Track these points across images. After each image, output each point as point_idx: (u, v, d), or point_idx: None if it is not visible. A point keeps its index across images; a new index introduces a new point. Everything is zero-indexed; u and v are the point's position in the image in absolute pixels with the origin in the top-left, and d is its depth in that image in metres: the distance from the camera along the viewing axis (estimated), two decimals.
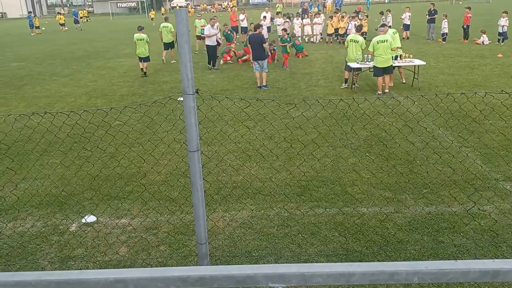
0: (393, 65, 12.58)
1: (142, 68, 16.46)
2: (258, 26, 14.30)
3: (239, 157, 7.85)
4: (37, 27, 39.59)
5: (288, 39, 16.92)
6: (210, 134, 8.87)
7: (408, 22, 24.07)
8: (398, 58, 12.99)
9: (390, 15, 24.00)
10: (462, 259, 4.62)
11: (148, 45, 16.44)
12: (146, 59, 16.34)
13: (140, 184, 6.96)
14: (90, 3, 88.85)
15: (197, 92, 2.97)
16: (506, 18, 20.49)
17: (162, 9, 61.50)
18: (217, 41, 17.33)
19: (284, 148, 7.84)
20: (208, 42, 17.02)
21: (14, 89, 15.36)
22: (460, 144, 8.04)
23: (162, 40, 19.09)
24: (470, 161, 7.32)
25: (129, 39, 30.72)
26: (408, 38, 24.01)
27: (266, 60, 13.68)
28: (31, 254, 5.30)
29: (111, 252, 5.25)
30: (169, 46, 19.08)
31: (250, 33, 19.82)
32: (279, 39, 18.32)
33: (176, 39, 2.85)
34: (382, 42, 11.85)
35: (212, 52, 17.08)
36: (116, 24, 50.19)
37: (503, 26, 20.77)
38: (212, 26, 16.89)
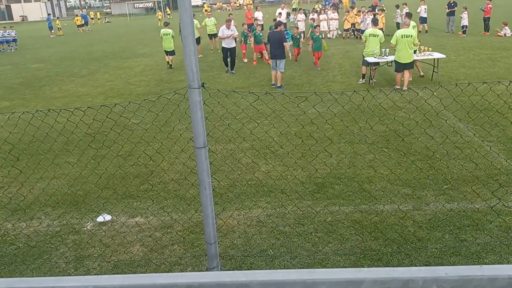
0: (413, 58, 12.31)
1: (168, 61, 17.73)
2: (279, 23, 13.73)
3: (251, 154, 7.72)
4: (59, 28, 40.55)
5: (321, 36, 15.93)
6: (219, 132, 8.77)
7: (424, 15, 23.49)
8: (417, 51, 12.67)
9: (406, 8, 23.46)
10: (486, 259, 4.38)
11: (174, 40, 17.36)
12: (172, 53, 17.52)
13: (149, 183, 6.90)
14: (107, 4, 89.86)
15: (203, 86, 2.85)
16: None
17: (168, 9, 61.15)
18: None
19: (298, 145, 7.68)
20: (223, 44, 16.08)
21: (33, 90, 15.55)
22: (483, 138, 7.75)
23: None
24: (494, 155, 7.03)
25: (145, 39, 30.93)
26: (426, 31, 23.48)
27: (284, 60, 13.09)
28: (47, 253, 5.28)
29: (125, 251, 5.20)
30: (211, 36, 21.23)
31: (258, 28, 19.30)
32: (310, 35, 17.09)
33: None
34: (406, 36, 11.42)
35: (226, 55, 16.03)
36: (133, 24, 50.57)
37: None
38: (228, 28, 15.72)
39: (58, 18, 44.82)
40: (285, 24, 24.21)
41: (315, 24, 18.33)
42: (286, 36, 19.54)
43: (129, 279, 1.03)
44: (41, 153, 8.06)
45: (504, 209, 5.50)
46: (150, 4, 74.00)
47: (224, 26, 15.90)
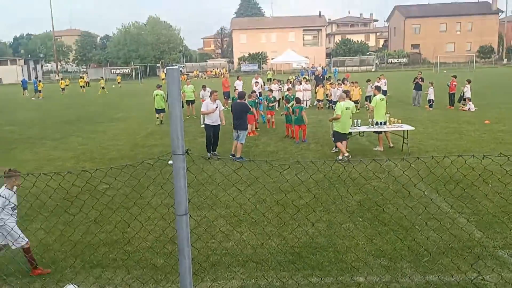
0: (383, 129, 12.86)
1: (157, 117, 20.41)
2: (243, 94, 13.42)
3: (229, 221, 7.57)
4: (39, 91, 40.67)
5: (303, 109, 14.92)
6: (200, 198, 8.62)
7: (385, 88, 25.30)
8: (387, 123, 13.17)
9: (380, 81, 24.64)
10: None
11: (165, 100, 19.90)
12: (162, 111, 20.28)
13: (124, 251, 6.60)
14: (84, 70, 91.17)
15: (187, 152, 2.83)
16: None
17: (118, 77, 60.22)
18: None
19: (277, 212, 7.60)
20: (207, 120, 12.97)
21: (2, 153, 15.16)
22: (459, 210, 7.85)
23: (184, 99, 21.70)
24: (470, 228, 7.09)
25: (122, 104, 31.15)
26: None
27: (246, 131, 12.86)
28: None
29: None
30: (189, 102, 22.55)
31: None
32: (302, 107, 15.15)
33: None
34: (348, 108, 12.26)
35: (210, 135, 12.95)
36: (109, 89, 51.04)
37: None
38: (214, 101, 12.91)
39: (40, 81, 45.40)
40: (260, 93, 25.02)
41: (292, 95, 17.70)
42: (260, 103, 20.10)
43: None
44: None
45: (480, 283, 5.47)
46: (127, 70, 75.30)
47: (208, 100, 13.21)
